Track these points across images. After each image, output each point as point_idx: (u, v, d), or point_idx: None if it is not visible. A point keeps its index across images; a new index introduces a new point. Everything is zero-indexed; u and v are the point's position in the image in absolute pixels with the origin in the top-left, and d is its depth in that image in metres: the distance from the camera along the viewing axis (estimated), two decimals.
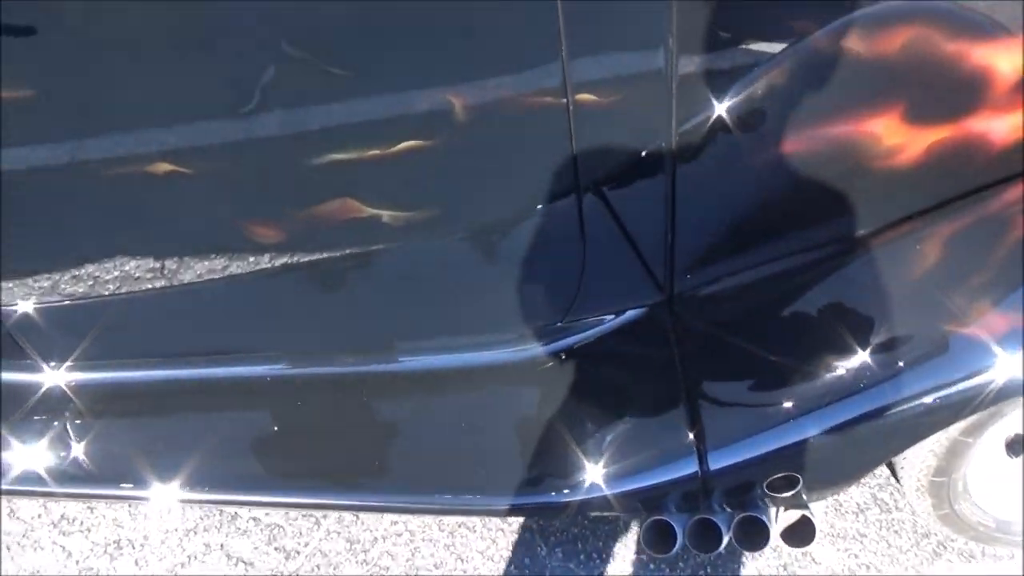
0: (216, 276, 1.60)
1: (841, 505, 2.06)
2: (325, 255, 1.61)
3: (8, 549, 2.02)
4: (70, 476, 1.64)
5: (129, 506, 2.05)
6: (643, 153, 1.55)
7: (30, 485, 1.64)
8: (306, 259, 1.61)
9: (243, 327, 1.71)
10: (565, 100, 1.46)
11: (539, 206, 1.59)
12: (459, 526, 2.04)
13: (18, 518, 2.07)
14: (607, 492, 1.57)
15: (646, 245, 1.66)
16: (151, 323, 1.67)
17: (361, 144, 1.50)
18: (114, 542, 2.03)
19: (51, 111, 1.42)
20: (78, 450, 1.66)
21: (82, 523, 2.06)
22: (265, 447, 1.70)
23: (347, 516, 2.06)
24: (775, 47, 1.55)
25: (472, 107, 1.47)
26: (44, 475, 1.64)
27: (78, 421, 1.68)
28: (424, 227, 1.59)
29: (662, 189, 1.59)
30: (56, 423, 1.67)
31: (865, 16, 1.54)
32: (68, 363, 1.69)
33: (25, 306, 1.62)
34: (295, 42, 1.39)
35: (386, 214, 1.57)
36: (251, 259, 1.60)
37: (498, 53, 1.44)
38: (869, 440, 1.57)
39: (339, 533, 2.03)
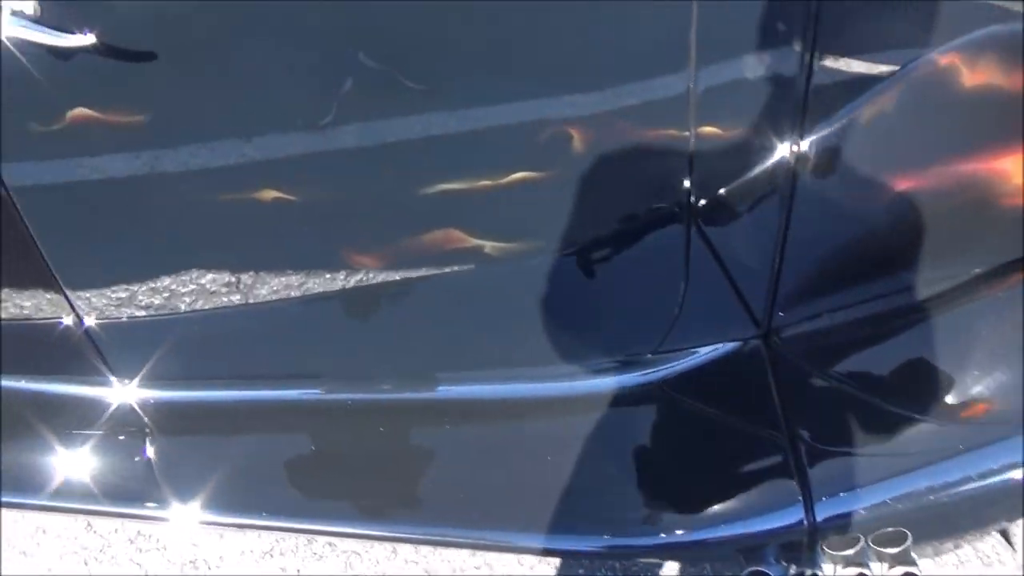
0: (293, 292, 1.43)
1: (939, 556, 1.80)
2: (412, 277, 1.44)
3: (86, 564, 1.88)
4: (134, 495, 1.49)
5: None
6: (753, 182, 1.36)
7: (94, 504, 1.49)
8: (389, 280, 1.44)
9: (319, 349, 1.54)
10: (688, 133, 1.30)
11: (643, 232, 1.41)
12: (539, 562, 1.84)
13: (95, 532, 1.93)
14: (704, 536, 1.35)
15: (741, 276, 1.44)
16: (222, 342, 1.53)
17: (472, 174, 1.35)
18: (190, 561, 1.88)
19: (131, 122, 1.29)
20: (144, 469, 1.50)
21: (158, 540, 1.92)
22: (345, 473, 1.54)
23: (424, 547, 1.87)
24: (887, 67, 1.33)
25: (590, 134, 1.31)
26: (110, 493, 1.48)
27: (143, 439, 1.52)
28: (524, 256, 1.43)
29: (765, 217, 1.39)
30: (122, 439, 1.52)
31: (999, 37, 1.31)
32: (136, 379, 1.54)
33: (97, 320, 1.47)
34: (408, 67, 1.25)
35: (489, 244, 1.41)
36: (327, 276, 1.44)
37: (623, 75, 1.28)
38: (986, 501, 1.34)
39: (416, 563, 1.85)
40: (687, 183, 1.35)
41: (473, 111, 1.31)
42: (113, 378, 1.53)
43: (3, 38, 1.18)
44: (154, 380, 1.52)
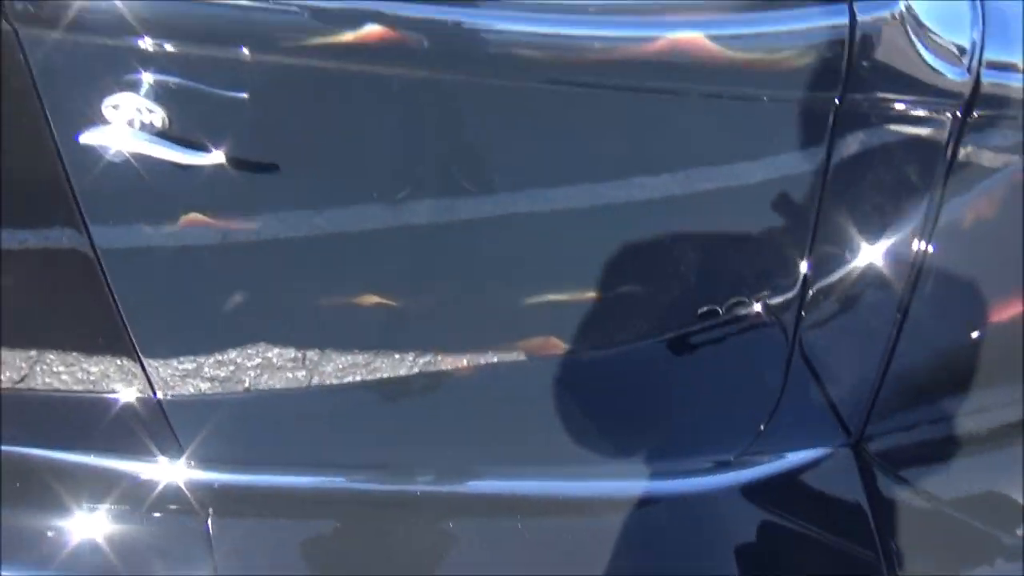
0: (359, 372, 1.32)
1: None
2: (484, 363, 1.33)
3: None
4: None
5: None
6: (865, 280, 1.23)
7: None
8: (459, 366, 1.33)
9: (383, 437, 1.42)
10: (810, 239, 1.18)
11: (734, 326, 1.28)
12: None
13: None
14: None
15: (833, 377, 1.29)
16: (285, 424, 1.41)
17: (549, 257, 1.25)
18: None
19: (203, 194, 1.20)
20: (201, 552, 1.38)
21: None
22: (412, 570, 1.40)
23: None
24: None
25: (688, 218, 1.21)
26: None
27: (203, 521, 1.40)
28: (604, 346, 1.31)
29: (870, 317, 1.25)
30: (181, 521, 1.40)
31: None
32: (197, 458, 1.42)
33: (162, 392, 1.37)
34: (489, 154, 1.17)
35: (566, 332, 1.29)
36: (396, 356, 1.33)
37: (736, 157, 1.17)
38: None
39: None
40: (801, 273, 1.23)
41: (554, 191, 1.20)
42: (173, 456, 1.43)
43: (127, 153, 1.11)
44: (214, 460, 1.40)
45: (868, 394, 1.28)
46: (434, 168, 1.17)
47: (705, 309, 1.28)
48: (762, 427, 1.31)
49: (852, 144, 1.15)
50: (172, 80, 1.09)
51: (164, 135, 1.11)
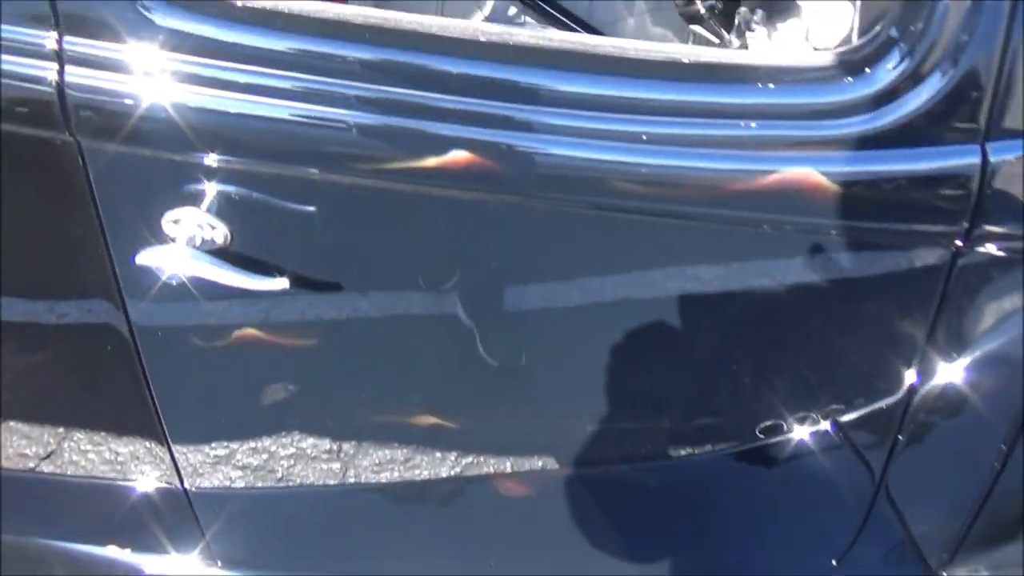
0: (397, 468, 1.22)
1: None
2: (534, 469, 1.21)
3: None
4: None
5: None
6: (970, 414, 1.10)
7: None
8: (503, 471, 1.21)
9: (420, 543, 1.30)
10: (917, 362, 1.08)
11: (824, 451, 1.16)
12: None
13: None
14: None
15: (917, 509, 1.16)
16: (311, 524, 1.31)
17: (597, 349, 1.13)
18: None
19: (250, 301, 1.12)
20: None
21: None
22: None
23: None
24: None
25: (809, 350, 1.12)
26: None
27: None
28: (664, 458, 1.20)
29: (968, 453, 1.12)
30: None
31: None
32: (219, 559, 1.32)
33: (189, 481, 1.27)
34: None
35: (617, 437, 1.18)
36: (437, 455, 1.21)
37: None
38: None
39: None
40: (902, 394, 1.10)
41: (636, 308, 1.09)
42: (197, 553, 1.31)
43: (184, 278, 1.04)
44: (241, 562, 1.30)
45: (957, 529, 1.14)
46: (498, 284, 1.08)
47: (770, 424, 1.15)
48: (835, 562, 1.17)
49: (973, 275, 1.03)
50: (235, 194, 1.00)
51: (224, 252, 1.03)
